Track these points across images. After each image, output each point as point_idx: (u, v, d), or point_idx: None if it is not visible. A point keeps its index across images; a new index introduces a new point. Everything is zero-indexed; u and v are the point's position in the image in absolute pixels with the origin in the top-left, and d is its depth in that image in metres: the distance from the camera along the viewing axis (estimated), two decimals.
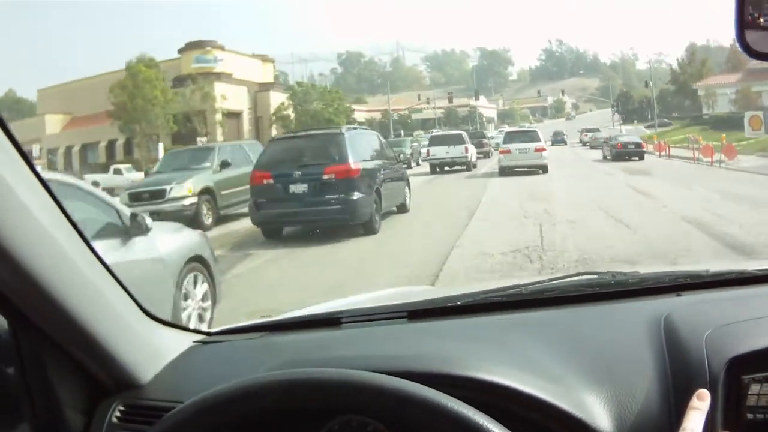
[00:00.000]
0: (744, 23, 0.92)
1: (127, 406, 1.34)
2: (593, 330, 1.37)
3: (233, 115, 55.07)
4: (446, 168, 29.12)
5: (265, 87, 61.19)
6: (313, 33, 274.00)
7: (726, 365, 1.11)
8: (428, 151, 30.23)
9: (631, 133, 46.38)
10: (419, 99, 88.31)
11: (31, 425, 1.27)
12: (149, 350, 1.43)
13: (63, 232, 1.20)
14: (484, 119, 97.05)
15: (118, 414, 1.33)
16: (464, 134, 32.52)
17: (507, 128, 50.94)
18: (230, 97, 53.20)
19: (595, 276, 1.68)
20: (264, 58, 66.45)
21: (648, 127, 68.22)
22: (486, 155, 37.82)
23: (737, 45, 0.91)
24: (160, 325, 1.53)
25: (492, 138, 38.37)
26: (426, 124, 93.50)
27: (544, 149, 25.32)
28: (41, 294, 1.14)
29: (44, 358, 1.26)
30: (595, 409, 1.12)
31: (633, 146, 32.45)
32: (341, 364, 1.14)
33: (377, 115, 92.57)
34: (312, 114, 56.83)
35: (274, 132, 57.83)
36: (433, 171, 29.18)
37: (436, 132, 39.15)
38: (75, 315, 1.21)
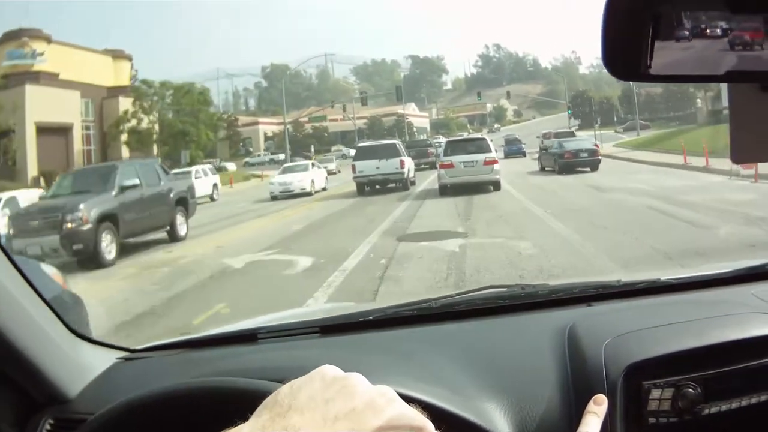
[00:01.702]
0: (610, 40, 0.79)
1: (57, 420, 1.38)
2: (500, 341, 1.44)
3: (57, 131, 39.36)
4: (377, 187, 24.09)
5: (115, 92, 45.50)
6: (240, 47, 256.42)
7: (624, 372, 1.16)
8: (353, 167, 24.37)
9: (589, 138, 34.06)
10: (344, 110, 74.08)
11: None
12: (76, 366, 1.47)
13: None
14: (414, 129, 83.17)
15: (47, 428, 1.38)
16: (399, 144, 26.42)
17: (442, 138, 43.86)
18: (51, 106, 38.48)
19: (504, 289, 1.73)
20: (117, 54, 51.37)
21: (621, 131, 57.71)
22: (433, 166, 30.77)
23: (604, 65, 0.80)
24: (86, 343, 1.58)
25: (440, 145, 29.20)
26: (346, 137, 79.76)
27: (495, 161, 20.97)
28: None
29: None
30: (495, 416, 1.15)
31: (586, 154, 25.79)
32: (254, 377, 1.15)
33: (287, 128, 78.61)
34: (169, 124, 41.65)
35: (125, 153, 42.32)
36: (360, 191, 23.92)
37: (363, 143, 31.18)
38: (4, 335, 1.26)
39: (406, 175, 24.22)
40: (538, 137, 45.08)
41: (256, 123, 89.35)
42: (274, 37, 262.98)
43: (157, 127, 43.62)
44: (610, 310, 1.52)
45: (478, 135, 32.04)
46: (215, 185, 29.33)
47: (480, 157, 20.59)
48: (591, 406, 1.01)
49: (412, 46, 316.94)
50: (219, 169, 49.23)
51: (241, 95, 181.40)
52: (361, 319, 1.65)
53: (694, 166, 21.19)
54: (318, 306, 5.08)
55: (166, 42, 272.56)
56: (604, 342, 1.23)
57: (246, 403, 0.83)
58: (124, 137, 43.31)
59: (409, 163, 25.11)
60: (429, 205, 17.68)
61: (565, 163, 25.24)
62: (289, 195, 25.57)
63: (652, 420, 1.15)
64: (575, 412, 1.13)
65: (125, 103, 44.67)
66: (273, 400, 0.68)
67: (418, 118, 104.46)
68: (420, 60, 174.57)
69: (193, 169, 28.16)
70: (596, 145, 29.33)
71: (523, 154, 42.80)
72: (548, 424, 1.16)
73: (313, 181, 27.45)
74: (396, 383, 1.08)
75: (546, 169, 27.37)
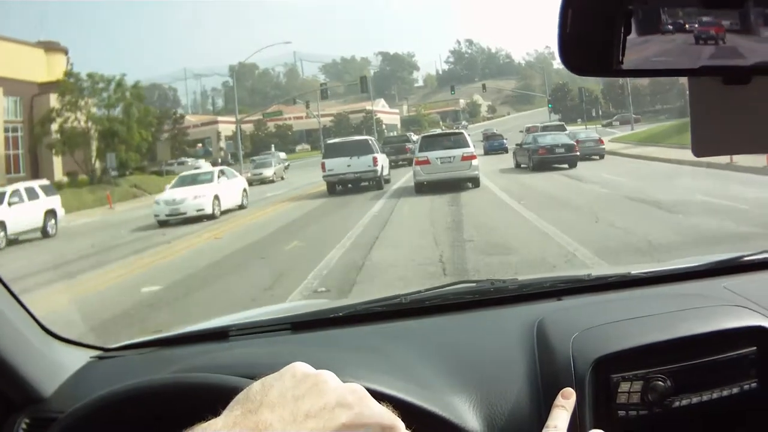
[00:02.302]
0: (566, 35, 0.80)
1: (33, 419, 1.39)
2: (469, 336, 1.45)
3: None
4: (350, 185, 23.05)
5: (47, 88, 40.01)
6: (207, 48, 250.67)
7: (592, 365, 1.16)
8: (323, 164, 23.29)
9: (588, 132, 33.12)
10: (307, 107, 69.52)
11: None
12: (50, 366, 1.49)
13: None
14: (384, 126, 79.36)
15: (24, 427, 1.39)
16: (371, 140, 25.44)
17: (414, 136, 43.47)
18: None
19: (473, 284, 1.77)
20: (50, 47, 43.95)
21: (607, 125, 55.27)
22: (411, 162, 27.37)
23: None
24: (60, 342, 1.59)
25: (417, 142, 26.77)
26: (311, 136, 75.49)
27: (473, 157, 20.01)
28: None
29: None
30: (463, 410, 1.16)
31: (562, 149, 24.33)
32: (225, 373, 1.14)
33: (248, 127, 73.90)
34: (96, 122, 36.48)
35: (56, 166, 37.40)
36: (331, 191, 23.09)
37: (333, 140, 28.74)
38: None
39: (379, 173, 23.09)
40: (521, 132, 41.74)
41: (215, 122, 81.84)
42: (242, 36, 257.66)
43: (93, 126, 38.29)
44: (579, 304, 1.54)
45: (455, 130, 30.68)
46: (50, 213, 19.89)
47: (457, 152, 19.78)
48: (559, 399, 1.00)
49: (382, 43, 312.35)
50: (160, 174, 43.14)
51: (209, 95, 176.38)
52: (332, 316, 1.67)
53: (747, 166, 16.03)
54: (290, 304, 5.30)
55: (131, 42, 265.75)
56: (572, 336, 1.24)
57: (218, 398, 0.84)
58: (49, 139, 37.40)
59: (382, 160, 23.91)
60: (403, 209, 15.98)
61: (539, 159, 23.90)
62: (183, 218, 18.48)
63: (621, 413, 1.15)
64: (544, 406, 1.14)
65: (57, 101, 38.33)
66: (245, 396, 0.69)
67: (388, 114, 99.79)
68: (390, 57, 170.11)
69: (7, 190, 19.37)
70: (600, 141, 28.30)
71: (506, 150, 39.10)
72: (517, 418, 1.17)
73: (217, 198, 19.54)
74: (366, 379, 1.12)
75: (521, 166, 25.88)
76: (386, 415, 0.70)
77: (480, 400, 1.18)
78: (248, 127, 78.09)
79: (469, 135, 22.10)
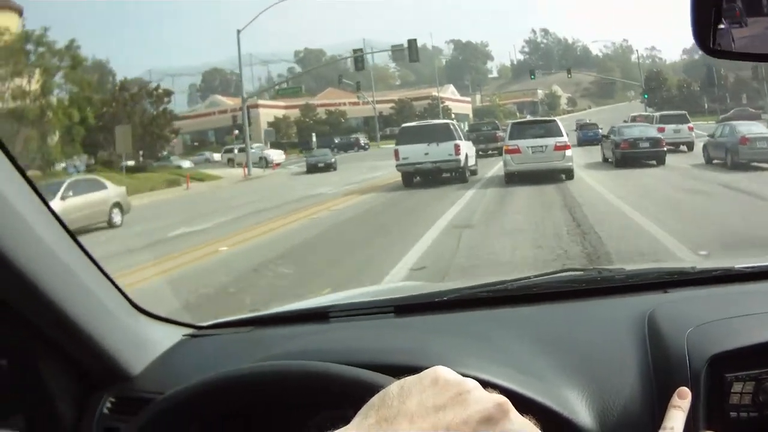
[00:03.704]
0: (700, 20, 0.84)
1: (118, 398, 1.37)
2: (578, 326, 1.40)
3: None
4: (430, 177, 20.19)
5: None
6: (275, 33, 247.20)
7: (707, 363, 1.12)
8: (396, 152, 20.53)
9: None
10: (357, 89, 62.89)
11: (24, 418, 1.30)
12: (139, 344, 1.45)
13: (51, 231, 1.24)
14: (453, 116, 71.30)
15: (108, 405, 1.37)
16: (453, 125, 22.29)
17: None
18: None
19: (581, 272, 1.73)
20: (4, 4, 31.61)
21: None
22: (501, 151, 24.75)
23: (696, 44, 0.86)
24: (150, 319, 1.55)
25: (507, 129, 22.77)
26: (368, 124, 68.87)
27: (567, 146, 18.51)
28: (31, 291, 1.17)
29: (36, 353, 1.29)
30: (576, 405, 1.13)
31: (647, 144, 21.93)
32: (327, 358, 1.12)
33: (294, 113, 67.49)
34: None
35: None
36: (407, 183, 20.39)
37: (408, 124, 24.68)
38: (65, 311, 1.24)
39: (462, 163, 20.35)
40: (625, 121, 36.76)
41: (256, 106, 66.34)
42: (310, 26, 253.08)
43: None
44: (686, 297, 1.49)
45: (546, 117, 28.87)
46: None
47: (550, 141, 18.47)
48: (675, 399, 0.96)
49: (454, 32, 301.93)
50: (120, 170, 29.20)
51: (275, 82, 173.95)
52: (436, 300, 1.62)
53: None
54: (390, 285, 5.14)
55: (196, 29, 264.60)
56: (687, 331, 1.20)
57: (343, 391, 0.84)
58: None
59: (466, 148, 21.02)
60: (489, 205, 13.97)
61: (621, 154, 21.95)
62: None
63: (733, 414, 1.10)
64: (657, 404, 1.11)
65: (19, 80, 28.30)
66: (380, 400, 0.65)
67: (458, 103, 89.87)
68: (462, 45, 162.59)
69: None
70: None
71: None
72: (630, 415, 1.13)
73: None
74: (476, 368, 1.11)
75: (608, 160, 23.73)
76: (529, 428, 0.66)
77: (592, 394, 1.14)
78: (293, 113, 71.50)
79: (561, 124, 20.02)
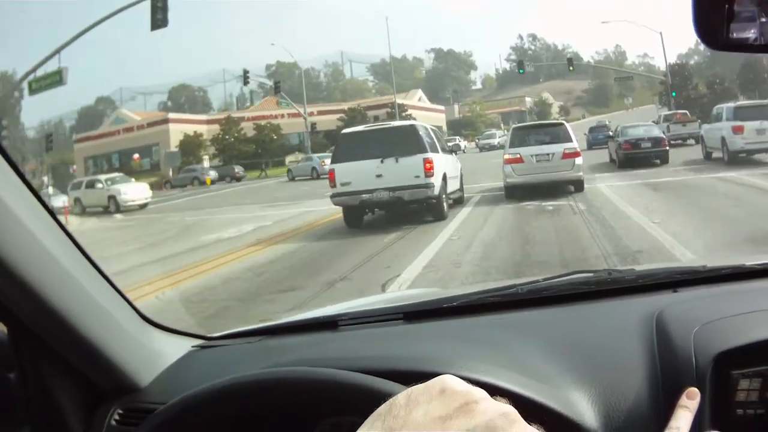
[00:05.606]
0: (707, 15, 0.86)
1: (126, 410, 1.36)
2: (588, 328, 1.41)
3: None
4: (376, 211, 14.43)
5: None
6: (249, 48, 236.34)
7: (713, 361, 1.12)
8: (332, 175, 13.70)
9: None
10: (276, 91, 54.98)
11: (32, 430, 1.30)
12: (147, 355, 1.45)
13: (59, 243, 1.24)
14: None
15: (116, 417, 1.36)
16: (422, 128, 14.38)
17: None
18: None
19: (591, 274, 1.70)
20: None
21: None
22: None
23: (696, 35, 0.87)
24: (159, 330, 1.55)
25: (507, 135, 18.99)
26: (315, 140, 56.63)
27: (577, 153, 15.85)
28: (39, 303, 1.17)
29: (44, 364, 1.29)
30: (582, 406, 1.13)
31: (649, 144, 22.13)
32: (336, 365, 1.13)
33: (214, 129, 55.91)
34: None
35: None
36: (350, 222, 13.79)
37: (350, 129, 15.52)
38: (72, 323, 1.24)
39: (437, 191, 13.26)
40: (654, 122, 32.43)
41: (165, 122, 59.41)
42: (285, 38, 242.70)
43: None
44: (696, 296, 1.49)
45: (553, 120, 24.96)
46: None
47: (557, 148, 15.73)
48: (684, 400, 0.96)
49: (435, 41, 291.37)
50: None
51: (247, 98, 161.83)
52: (445, 306, 1.63)
53: None
54: (399, 292, 5.03)
55: (168, 43, 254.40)
56: (693, 330, 1.20)
57: (349, 398, 0.85)
58: None
59: (443, 165, 14.07)
60: None
61: (624, 155, 22.02)
62: None
63: (739, 412, 1.11)
64: (663, 404, 1.11)
65: None
66: (387, 409, 0.65)
67: (428, 112, 71.70)
68: (444, 53, 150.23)
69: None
70: None
71: None
72: (636, 415, 1.13)
73: None
74: (485, 373, 1.13)
75: (614, 160, 23.55)
76: None
77: (598, 395, 1.15)
78: (214, 129, 59.11)
79: (570, 128, 16.91)
